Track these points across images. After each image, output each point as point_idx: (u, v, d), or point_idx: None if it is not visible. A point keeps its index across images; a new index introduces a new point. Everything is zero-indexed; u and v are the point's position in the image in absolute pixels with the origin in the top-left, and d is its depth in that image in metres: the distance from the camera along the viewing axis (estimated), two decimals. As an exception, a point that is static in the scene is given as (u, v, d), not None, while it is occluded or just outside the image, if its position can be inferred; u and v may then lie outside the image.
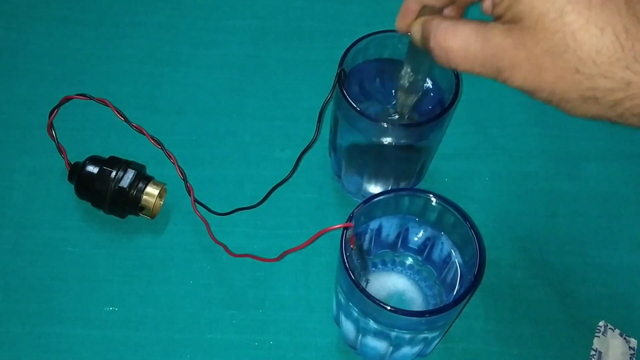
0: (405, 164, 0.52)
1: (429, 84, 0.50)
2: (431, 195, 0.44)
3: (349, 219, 0.42)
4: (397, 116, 0.48)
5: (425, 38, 0.35)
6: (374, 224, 0.46)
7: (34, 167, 0.56)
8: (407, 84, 0.44)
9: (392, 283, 0.48)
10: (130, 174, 0.51)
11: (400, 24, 0.39)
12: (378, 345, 0.45)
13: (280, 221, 0.54)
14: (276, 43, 0.64)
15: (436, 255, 0.46)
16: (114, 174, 0.51)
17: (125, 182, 0.51)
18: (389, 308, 0.39)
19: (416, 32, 0.37)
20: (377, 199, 0.43)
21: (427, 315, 0.40)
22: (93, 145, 0.57)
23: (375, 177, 0.53)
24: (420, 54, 0.40)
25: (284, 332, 0.50)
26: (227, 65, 0.62)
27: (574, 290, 0.52)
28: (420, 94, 0.46)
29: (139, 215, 0.53)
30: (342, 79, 0.48)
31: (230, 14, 0.65)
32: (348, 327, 0.46)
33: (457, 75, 0.48)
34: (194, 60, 0.62)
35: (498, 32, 0.32)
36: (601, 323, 0.50)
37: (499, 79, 0.33)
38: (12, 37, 0.63)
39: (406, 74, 0.44)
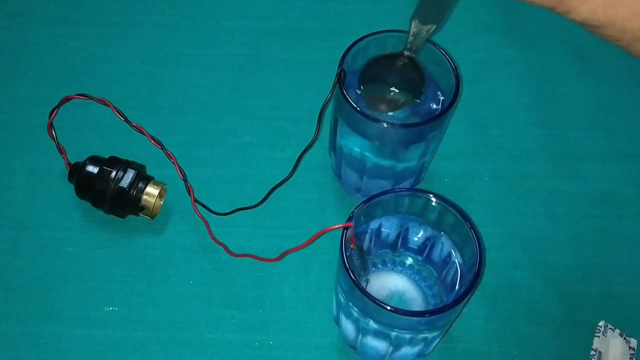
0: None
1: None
2: (431, 195, 0.44)
3: (349, 219, 0.42)
4: (406, 52, 0.45)
5: None
6: (374, 224, 0.46)
7: (34, 167, 0.56)
8: (424, 15, 0.40)
9: (392, 283, 0.48)
10: (130, 174, 0.51)
11: None
12: (378, 345, 0.45)
13: (280, 221, 0.54)
14: (276, 43, 0.64)
15: (436, 255, 0.46)
16: (114, 174, 0.51)
17: (125, 182, 0.51)
18: (389, 308, 0.39)
19: None
20: (377, 199, 0.43)
21: (427, 315, 0.40)
22: (93, 145, 0.57)
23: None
24: None
25: (284, 332, 0.50)
26: (227, 65, 0.62)
27: (574, 290, 0.52)
28: (438, 26, 0.42)
29: (139, 215, 0.53)
30: (342, 79, 0.48)
31: (230, 14, 0.65)
32: (348, 327, 0.46)
33: (457, 76, 0.48)
34: (194, 60, 0.62)
35: None
36: (601, 323, 0.50)
37: (558, 10, 0.29)
38: (12, 37, 0.63)
39: (426, 3, 0.39)
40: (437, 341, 0.47)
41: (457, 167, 0.57)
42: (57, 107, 0.56)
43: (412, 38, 0.43)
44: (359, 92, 0.49)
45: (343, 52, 0.49)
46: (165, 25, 0.64)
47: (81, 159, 0.53)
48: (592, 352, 0.49)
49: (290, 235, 0.53)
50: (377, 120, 0.46)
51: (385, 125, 0.46)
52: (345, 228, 0.42)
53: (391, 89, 0.50)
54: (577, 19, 0.29)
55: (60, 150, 0.55)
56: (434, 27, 0.41)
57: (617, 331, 0.50)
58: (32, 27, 0.63)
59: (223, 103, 0.60)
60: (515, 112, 0.60)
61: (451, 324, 0.48)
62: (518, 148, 0.58)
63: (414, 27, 0.42)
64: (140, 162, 0.54)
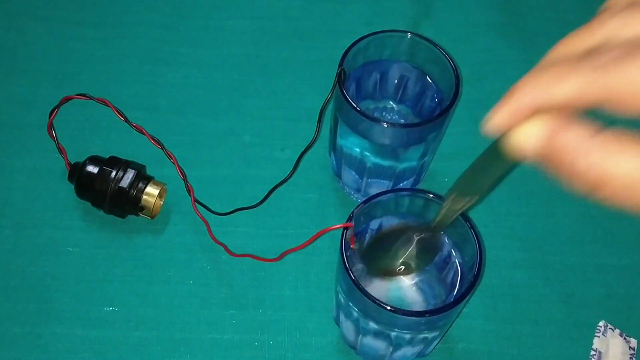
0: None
1: (433, 89, 0.48)
2: (431, 195, 0.44)
3: (349, 219, 0.42)
4: (429, 229, 0.40)
5: (557, 154, 0.25)
6: (374, 224, 0.46)
7: (34, 167, 0.56)
8: (463, 191, 0.34)
9: (392, 283, 0.48)
10: (130, 174, 0.51)
11: (502, 122, 0.26)
12: (378, 345, 0.45)
13: (280, 221, 0.54)
14: (276, 43, 0.64)
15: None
16: (114, 174, 0.51)
17: (125, 182, 0.51)
18: (389, 308, 0.39)
19: (530, 140, 0.25)
20: (377, 199, 0.43)
21: (427, 315, 0.40)
22: (93, 145, 0.57)
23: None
24: (502, 162, 0.28)
25: (284, 332, 0.50)
26: (227, 65, 0.62)
27: (574, 290, 0.52)
28: (480, 197, 0.36)
29: (139, 215, 0.53)
30: (342, 79, 0.48)
31: (230, 14, 0.65)
32: (348, 327, 0.46)
33: (457, 75, 0.48)
34: (194, 60, 0.62)
35: None
36: (601, 323, 0.50)
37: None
38: (12, 37, 0.63)
39: (468, 181, 0.33)
40: (437, 341, 0.47)
41: (457, 167, 0.57)
42: (57, 107, 0.56)
43: (444, 212, 0.36)
44: (359, 266, 0.44)
45: (343, 52, 0.49)
46: (165, 25, 0.64)
47: (81, 159, 0.53)
48: (592, 352, 0.49)
49: (290, 235, 0.53)
50: (377, 120, 0.46)
51: (385, 125, 0.46)
52: (345, 228, 0.42)
53: (399, 261, 0.44)
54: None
55: (60, 150, 0.55)
56: (475, 198, 0.34)
57: (617, 331, 0.50)
58: (32, 27, 0.63)
59: (223, 103, 0.60)
60: (515, 112, 0.60)
61: (451, 324, 0.48)
62: (518, 148, 0.58)
63: (451, 201, 0.35)
64: (140, 162, 0.54)
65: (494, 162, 0.30)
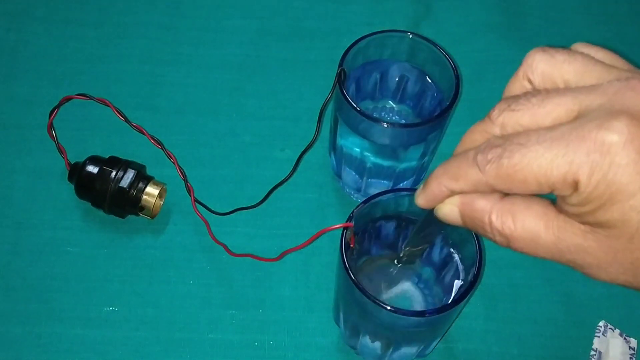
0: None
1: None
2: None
3: (349, 219, 0.42)
4: (401, 262, 0.44)
5: (472, 221, 0.31)
6: (374, 224, 0.46)
7: (34, 167, 0.56)
8: (417, 243, 0.41)
9: (392, 283, 0.48)
10: (130, 174, 0.51)
11: (425, 204, 0.32)
12: (378, 345, 0.45)
13: (280, 221, 0.54)
14: (276, 43, 0.64)
15: (436, 255, 0.46)
16: (114, 174, 0.51)
17: (125, 182, 0.51)
18: (389, 308, 0.39)
19: (451, 213, 0.32)
20: (377, 199, 0.43)
21: (427, 315, 0.40)
22: (93, 145, 0.57)
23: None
24: (437, 222, 0.34)
25: (284, 332, 0.50)
26: (227, 65, 0.62)
27: (574, 290, 0.52)
28: (429, 246, 0.42)
29: (139, 215, 0.53)
30: (342, 79, 0.48)
31: (230, 14, 0.65)
32: (348, 327, 0.46)
33: (457, 75, 0.48)
34: (194, 60, 0.62)
35: (577, 231, 0.28)
36: (601, 323, 0.50)
37: (576, 270, 0.29)
38: (12, 37, 0.63)
39: (420, 233, 0.39)
40: (437, 341, 0.47)
41: (457, 167, 0.57)
42: (57, 107, 0.56)
43: (407, 255, 0.42)
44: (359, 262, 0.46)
45: (343, 52, 0.49)
46: (165, 25, 0.64)
47: (81, 159, 0.53)
48: (592, 352, 0.49)
49: (290, 235, 0.53)
50: (377, 120, 0.46)
51: (385, 125, 0.46)
52: (345, 228, 0.42)
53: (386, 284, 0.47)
54: (598, 280, 0.29)
55: (60, 150, 0.55)
56: (426, 246, 0.42)
57: (617, 331, 0.50)
58: (32, 27, 0.63)
59: (223, 103, 0.60)
60: (515, 112, 0.60)
61: (451, 324, 0.48)
62: (518, 148, 0.58)
63: (406, 250, 0.42)
64: (140, 162, 0.54)
65: (434, 222, 0.35)
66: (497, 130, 0.30)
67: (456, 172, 0.30)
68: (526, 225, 0.29)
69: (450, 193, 0.31)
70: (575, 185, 0.26)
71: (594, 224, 0.27)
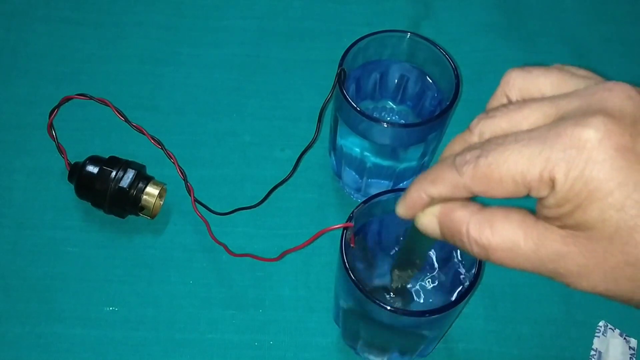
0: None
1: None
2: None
3: (349, 219, 0.42)
4: (392, 292, 0.44)
5: (450, 232, 0.30)
6: (374, 224, 0.46)
7: (34, 167, 0.56)
8: (404, 265, 0.40)
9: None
10: (130, 174, 0.51)
11: (404, 212, 0.32)
12: (378, 345, 0.45)
13: (280, 221, 0.54)
14: (276, 43, 0.64)
15: (436, 255, 0.46)
16: (114, 174, 0.51)
17: (125, 182, 0.51)
18: (389, 308, 0.39)
19: (429, 223, 0.31)
20: (377, 199, 0.43)
21: (427, 315, 0.40)
22: (93, 145, 0.57)
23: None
24: (424, 237, 0.33)
25: (284, 332, 0.50)
26: (227, 65, 0.62)
27: (574, 291, 0.52)
28: (417, 270, 0.41)
29: (139, 215, 0.53)
30: (342, 79, 0.48)
31: (230, 14, 0.65)
32: (348, 327, 0.46)
33: (457, 75, 0.48)
34: (194, 60, 0.62)
35: (556, 237, 0.27)
36: (601, 323, 0.50)
37: (557, 280, 0.29)
38: (12, 37, 0.63)
39: (405, 255, 0.39)
40: (437, 341, 0.47)
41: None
42: (57, 107, 0.56)
43: (396, 281, 0.42)
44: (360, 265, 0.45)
45: (343, 52, 0.49)
46: (165, 25, 0.64)
47: (81, 159, 0.53)
48: (592, 352, 0.49)
49: (290, 235, 0.53)
50: (377, 120, 0.46)
51: (385, 125, 0.46)
52: (345, 228, 0.42)
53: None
54: (579, 290, 0.29)
55: (60, 150, 0.55)
56: (416, 269, 0.41)
57: (617, 331, 0.50)
58: (32, 27, 0.63)
59: (223, 103, 0.60)
60: (515, 112, 0.60)
61: (451, 324, 0.48)
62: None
63: (395, 273, 0.41)
64: (140, 162, 0.54)
65: (417, 240, 0.36)
66: (475, 139, 0.30)
67: (435, 176, 0.30)
68: (505, 234, 0.28)
69: (429, 200, 0.30)
70: (552, 184, 0.26)
71: (574, 227, 0.27)
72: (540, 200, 0.27)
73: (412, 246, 0.38)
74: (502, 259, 0.28)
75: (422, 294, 0.48)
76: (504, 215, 0.28)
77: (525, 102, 0.29)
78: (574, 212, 0.26)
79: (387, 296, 0.44)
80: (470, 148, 0.29)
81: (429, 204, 0.31)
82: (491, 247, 0.28)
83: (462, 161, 0.28)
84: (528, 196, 0.28)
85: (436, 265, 0.46)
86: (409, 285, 0.44)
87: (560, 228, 0.27)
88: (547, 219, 0.28)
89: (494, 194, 0.28)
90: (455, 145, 0.31)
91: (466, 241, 0.29)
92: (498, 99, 0.32)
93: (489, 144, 0.28)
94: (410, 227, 0.34)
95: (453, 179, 0.29)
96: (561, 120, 0.27)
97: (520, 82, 0.31)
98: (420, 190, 0.30)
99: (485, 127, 0.29)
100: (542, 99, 0.29)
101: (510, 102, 0.31)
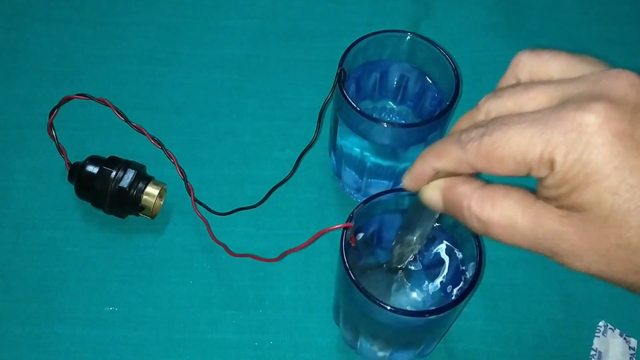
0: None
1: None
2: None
3: (349, 219, 0.42)
4: (391, 268, 0.44)
5: (452, 205, 0.31)
6: (374, 224, 0.46)
7: (34, 167, 0.56)
8: (406, 240, 0.40)
9: (392, 283, 0.48)
10: (130, 174, 0.51)
11: (410, 184, 0.33)
12: (378, 345, 0.45)
13: (280, 221, 0.54)
14: (276, 43, 0.64)
15: (436, 255, 0.46)
16: (114, 174, 0.51)
17: (125, 182, 0.51)
18: (389, 308, 0.39)
19: (433, 196, 0.32)
20: (377, 199, 0.43)
21: (427, 315, 0.40)
22: (93, 145, 0.57)
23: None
24: (427, 212, 0.34)
25: (284, 332, 0.50)
26: (227, 65, 0.62)
27: (574, 290, 0.52)
28: (419, 248, 0.41)
29: (139, 215, 0.53)
30: (342, 79, 0.48)
31: (230, 14, 0.65)
32: (348, 327, 0.46)
33: (457, 75, 0.48)
34: (194, 60, 0.62)
35: (553, 216, 0.28)
36: (601, 323, 0.50)
37: (552, 259, 0.30)
38: (12, 37, 0.63)
39: (407, 230, 0.39)
40: (437, 341, 0.47)
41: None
42: (57, 107, 0.56)
43: (396, 257, 0.42)
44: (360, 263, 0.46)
45: (343, 52, 0.49)
46: (165, 25, 0.64)
47: (81, 159, 0.53)
48: (592, 352, 0.49)
49: (290, 235, 0.53)
50: (377, 121, 0.46)
51: (385, 125, 0.46)
52: (345, 228, 0.42)
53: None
54: (572, 269, 0.29)
55: (60, 150, 0.55)
56: (418, 245, 0.41)
57: (617, 331, 0.50)
58: (32, 27, 0.63)
59: (223, 103, 0.60)
60: (515, 112, 0.60)
61: (451, 324, 0.48)
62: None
63: (396, 250, 0.41)
64: (140, 162, 0.54)
65: (420, 214, 0.37)
66: (482, 117, 0.31)
67: (440, 150, 0.31)
68: (504, 211, 0.29)
69: (434, 172, 0.31)
70: (552, 165, 0.27)
71: (570, 207, 0.27)
72: (540, 180, 0.28)
73: (414, 221, 0.38)
74: (500, 235, 0.29)
75: (422, 294, 0.48)
76: (505, 193, 0.29)
77: (532, 84, 0.30)
78: (571, 194, 0.27)
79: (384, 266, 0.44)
80: (476, 126, 0.29)
81: (434, 177, 0.32)
82: (491, 223, 0.29)
83: (467, 138, 0.29)
84: (529, 176, 0.28)
85: (446, 259, 0.46)
86: (409, 264, 0.44)
87: (558, 208, 0.28)
88: (546, 199, 0.28)
89: (495, 172, 0.29)
90: (462, 122, 0.32)
91: (467, 215, 0.30)
92: (507, 80, 0.33)
93: (494, 123, 0.29)
94: (413, 202, 0.35)
95: (457, 154, 0.30)
96: (564, 104, 0.27)
97: (529, 65, 0.32)
98: (425, 164, 0.31)
99: (492, 106, 0.31)
100: (549, 82, 0.29)
101: (518, 84, 0.32)
